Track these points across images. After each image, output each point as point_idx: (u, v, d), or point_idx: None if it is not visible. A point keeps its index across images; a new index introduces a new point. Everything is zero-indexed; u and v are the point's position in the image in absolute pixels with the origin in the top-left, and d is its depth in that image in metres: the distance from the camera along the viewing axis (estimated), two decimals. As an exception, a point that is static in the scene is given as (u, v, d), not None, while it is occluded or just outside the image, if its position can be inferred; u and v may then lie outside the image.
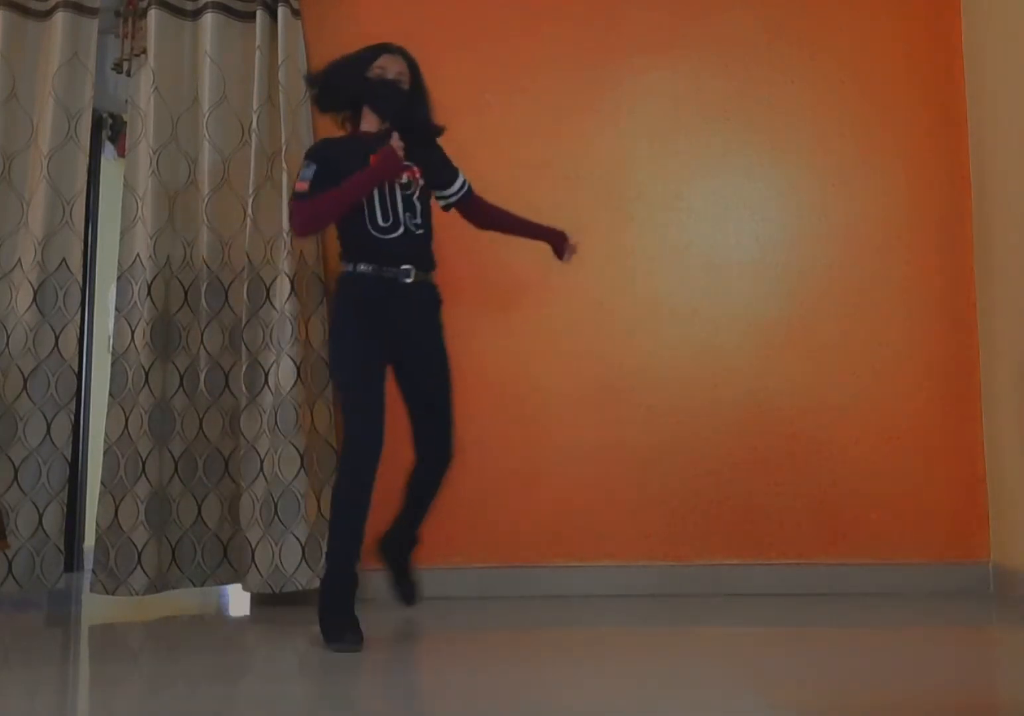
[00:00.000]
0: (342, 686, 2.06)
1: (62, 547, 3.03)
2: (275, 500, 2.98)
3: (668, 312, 3.27)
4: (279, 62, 3.18)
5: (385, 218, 2.53)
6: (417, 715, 1.87)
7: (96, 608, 3.14)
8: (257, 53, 3.18)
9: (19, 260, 3.11)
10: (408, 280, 2.53)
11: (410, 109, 2.60)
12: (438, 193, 2.73)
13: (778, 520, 3.17)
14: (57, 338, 3.09)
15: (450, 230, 3.13)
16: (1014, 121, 2.98)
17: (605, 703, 1.88)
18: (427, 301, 2.61)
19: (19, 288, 3.09)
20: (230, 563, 3.09)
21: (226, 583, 3.11)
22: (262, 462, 3.00)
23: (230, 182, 3.18)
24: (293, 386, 3.01)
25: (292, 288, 3.06)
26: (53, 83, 3.15)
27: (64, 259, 3.12)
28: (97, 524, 2.98)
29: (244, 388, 3.05)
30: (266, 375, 3.06)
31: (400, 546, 2.68)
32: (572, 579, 3.14)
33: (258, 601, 3.09)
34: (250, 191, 3.12)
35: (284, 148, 3.14)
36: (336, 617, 2.36)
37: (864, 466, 3.19)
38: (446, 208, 2.77)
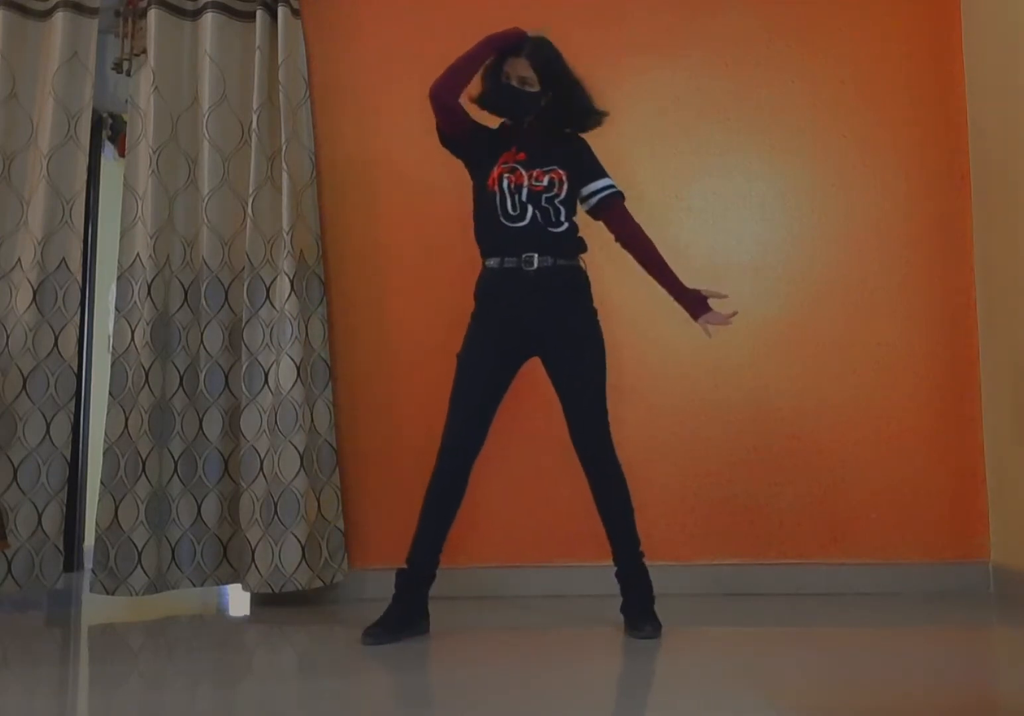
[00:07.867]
0: (342, 686, 2.05)
1: (62, 547, 3.03)
2: (275, 500, 2.98)
3: (668, 312, 3.26)
4: (279, 62, 3.18)
5: (514, 208, 2.52)
6: (417, 715, 1.87)
7: (96, 608, 3.13)
8: (257, 53, 3.18)
9: (19, 260, 3.11)
10: (531, 268, 2.51)
11: (525, 110, 2.59)
12: (579, 194, 2.65)
13: (778, 520, 3.18)
14: (57, 338, 3.09)
15: (445, 227, 3.14)
16: (1014, 121, 2.98)
17: (605, 703, 1.88)
18: (558, 288, 2.53)
19: (19, 288, 3.09)
20: (230, 563, 3.09)
21: (226, 583, 3.11)
22: (262, 462, 3.00)
23: (230, 182, 3.18)
24: (293, 386, 3.01)
25: (292, 288, 3.06)
26: (53, 83, 3.15)
27: (64, 259, 3.12)
28: (97, 524, 2.98)
29: (244, 388, 3.05)
30: (266, 375, 3.06)
31: (631, 587, 2.57)
32: (572, 579, 3.14)
33: (258, 601, 3.09)
34: (250, 191, 3.12)
35: (284, 148, 3.14)
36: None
37: (864, 466, 3.19)
38: (588, 212, 2.67)
